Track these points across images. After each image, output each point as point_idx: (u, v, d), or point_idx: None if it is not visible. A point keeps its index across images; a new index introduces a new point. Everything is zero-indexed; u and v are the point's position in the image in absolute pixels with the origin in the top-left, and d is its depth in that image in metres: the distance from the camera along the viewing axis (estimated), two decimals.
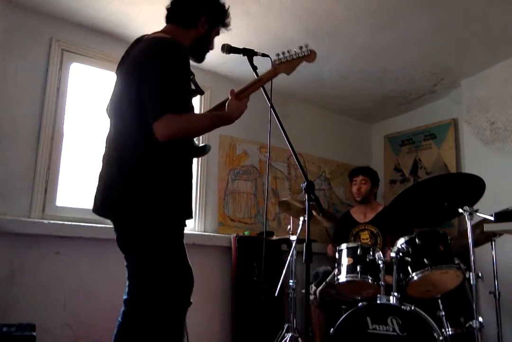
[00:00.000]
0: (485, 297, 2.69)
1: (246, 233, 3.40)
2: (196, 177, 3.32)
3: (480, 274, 2.19)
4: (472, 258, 2.21)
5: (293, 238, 2.86)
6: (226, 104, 1.75)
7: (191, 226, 3.26)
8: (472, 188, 2.40)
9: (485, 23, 2.92)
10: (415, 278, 2.45)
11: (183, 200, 1.68)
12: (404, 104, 4.15)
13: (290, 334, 2.74)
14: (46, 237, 2.55)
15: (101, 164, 1.73)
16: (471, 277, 2.19)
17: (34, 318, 2.22)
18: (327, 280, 2.95)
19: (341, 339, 2.38)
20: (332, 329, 2.40)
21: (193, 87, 1.79)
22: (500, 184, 3.20)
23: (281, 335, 2.81)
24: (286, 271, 2.73)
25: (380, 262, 2.54)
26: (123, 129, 1.68)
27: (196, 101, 3.41)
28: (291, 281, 2.88)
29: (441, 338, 2.24)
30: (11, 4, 2.65)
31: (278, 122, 1.81)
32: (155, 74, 1.59)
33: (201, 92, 1.87)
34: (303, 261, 1.65)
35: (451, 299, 2.55)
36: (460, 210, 2.30)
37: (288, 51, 1.85)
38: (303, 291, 2.85)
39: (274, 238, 3.36)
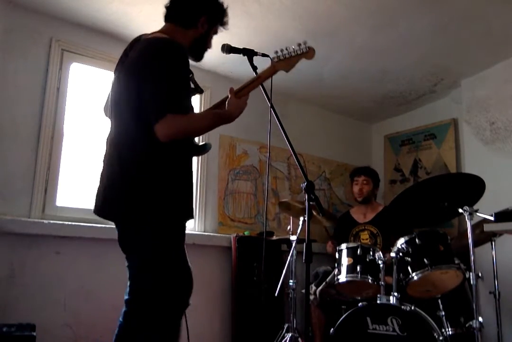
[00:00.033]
0: (485, 297, 2.69)
1: (246, 233, 3.40)
2: (196, 177, 3.32)
3: (480, 274, 2.19)
4: (472, 258, 2.21)
5: (293, 238, 2.86)
6: (226, 102, 1.75)
7: (191, 226, 3.26)
8: (472, 188, 2.40)
9: (485, 23, 2.92)
10: (415, 278, 2.45)
11: (183, 200, 1.68)
12: (404, 104, 4.15)
13: (290, 334, 2.74)
14: (46, 237, 2.55)
15: (102, 164, 1.74)
16: (471, 277, 2.19)
17: (34, 318, 2.22)
18: (327, 280, 2.95)
19: (341, 339, 2.38)
20: (332, 329, 2.40)
21: (192, 86, 1.79)
22: (500, 184, 3.20)
23: (281, 335, 2.81)
24: (286, 271, 2.72)
25: (380, 262, 2.54)
26: (123, 130, 1.68)
27: (196, 101, 3.41)
28: (291, 281, 2.88)
29: (441, 338, 2.23)
30: (11, 4, 2.65)
31: (278, 122, 1.81)
32: (154, 75, 1.59)
33: (200, 91, 1.87)
34: (303, 261, 1.64)
35: (451, 299, 2.55)
36: (460, 210, 2.30)
37: (286, 49, 1.85)
38: (303, 291, 2.85)
39: (274, 238, 3.36)
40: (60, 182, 2.75)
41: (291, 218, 3.13)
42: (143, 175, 1.60)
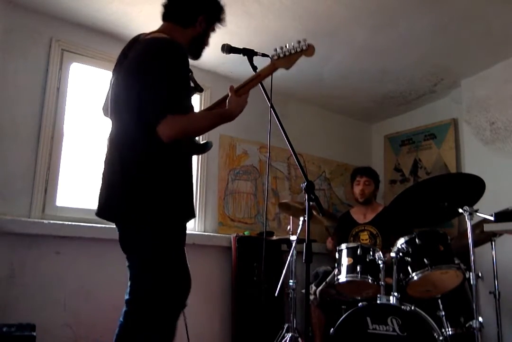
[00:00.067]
0: (485, 297, 2.69)
1: (246, 233, 3.40)
2: (196, 177, 3.32)
3: (480, 274, 2.19)
4: (472, 258, 2.21)
5: (293, 238, 2.86)
6: (227, 101, 1.75)
7: (191, 226, 3.26)
8: (472, 188, 2.40)
9: (485, 23, 2.93)
10: (415, 278, 2.45)
11: (183, 200, 1.68)
12: (404, 104, 4.15)
13: (290, 334, 2.74)
14: (46, 237, 2.55)
15: (103, 164, 1.74)
16: (471, 277, 2.19)
17: (34, 318, 2.22)
18: (327, 280, 2.95)
19: (341, 339, 2.38)
20: (332, 329, 2.40)
21: (192, 85, 1.79)
22: (500, 184, 3.20)
23: (281, 335, 2.81)
24: (286, 271, 2.73)
25: (380, 262, 2.54)
26: (123, 130, 1.68)
27: (196, 101, 3.41)
28: (291, 281, 2.88)
29: (441, 338, 2.23)
30: (11, 4, 2.65)
31: (278, 122, 1.81)
32: (154, 75, 1.59)
33: (200, 90, 1.87)
34: (303, 261, 1.64)
35: (451, 299, 2.55)
36: (460, 210, 2.30)
37: (286, 46, 1.84)
38: (303, 291, 2.85)
39: (274, 238, 3.36)
40: (60, 182, 2.75)
41: (291, 218, 3.14)
42: (143, 175, 1.60)
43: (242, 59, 1.92)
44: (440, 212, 2.47)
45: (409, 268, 2.49)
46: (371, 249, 2.65)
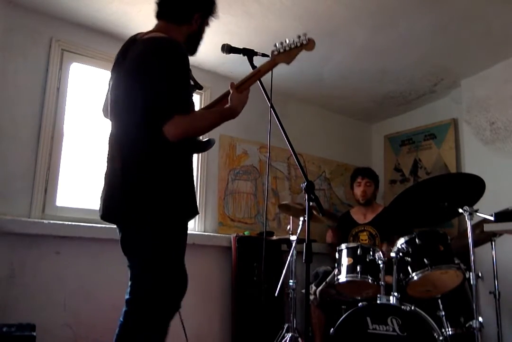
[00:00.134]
0: (485, 297, 2.69)
1: (246, 233, 3.40)
2: (196, 176, 3.32)
3: (480, 274, 2.19)
4: (472, 258, 2.21)
5: (293, 238, 2.86)
6: (229, 98, 1.74)
7: (191, 226, 3.26)
8: (472, 188, 2.40)
9: (485, 23, 2.93)
10: (415, 278, 2.45)
11: (183, 200, 1.67)
12: (404, 104, 4.15)
13: (290, 334, 2.74)
14: (46, 237, 2.55)
15: (105, 165, 1.74)
16: (471, 277, 2.19)
17: (34, 318, 2.22)
18: (327, 280, 2.95)
19: (341, 339, 2.38)
20: (332, 329, 2.40)
21: (191, 83, 1.78)
22: (500, 184, 3.20)
23: (281, 335, 2.81)
24: (286, 271, 2.73)
25: (380, 262, 2.54)
26: (124, 130, 1.68)
27: (196, 101, 3.41)
28: (291, 281, 2.88)
29: (441, 338, 2.23)
30: (11, 4, 2.65)
31: (278, 122, 1.81)
32: (156, 75, 1.59)
33: (200, 87, 1.87)
34: (303, 261, 1.64)
35: (451, 299, 2.55)
36: (460, 210, 2.30)
37: (286, 41, 1.84)
38: (303, 291, 2.85)
39: (274, 238, 3.36)
40: (60, 182, 2.75)
41: (291, 218, 3.14)
42: (144, 175, 1.60)
43: (242, 59, 1.92)
44: (440, 212, 2.47)
45: (409, 268, 2.49)
46: (371, 249, 2.65)
